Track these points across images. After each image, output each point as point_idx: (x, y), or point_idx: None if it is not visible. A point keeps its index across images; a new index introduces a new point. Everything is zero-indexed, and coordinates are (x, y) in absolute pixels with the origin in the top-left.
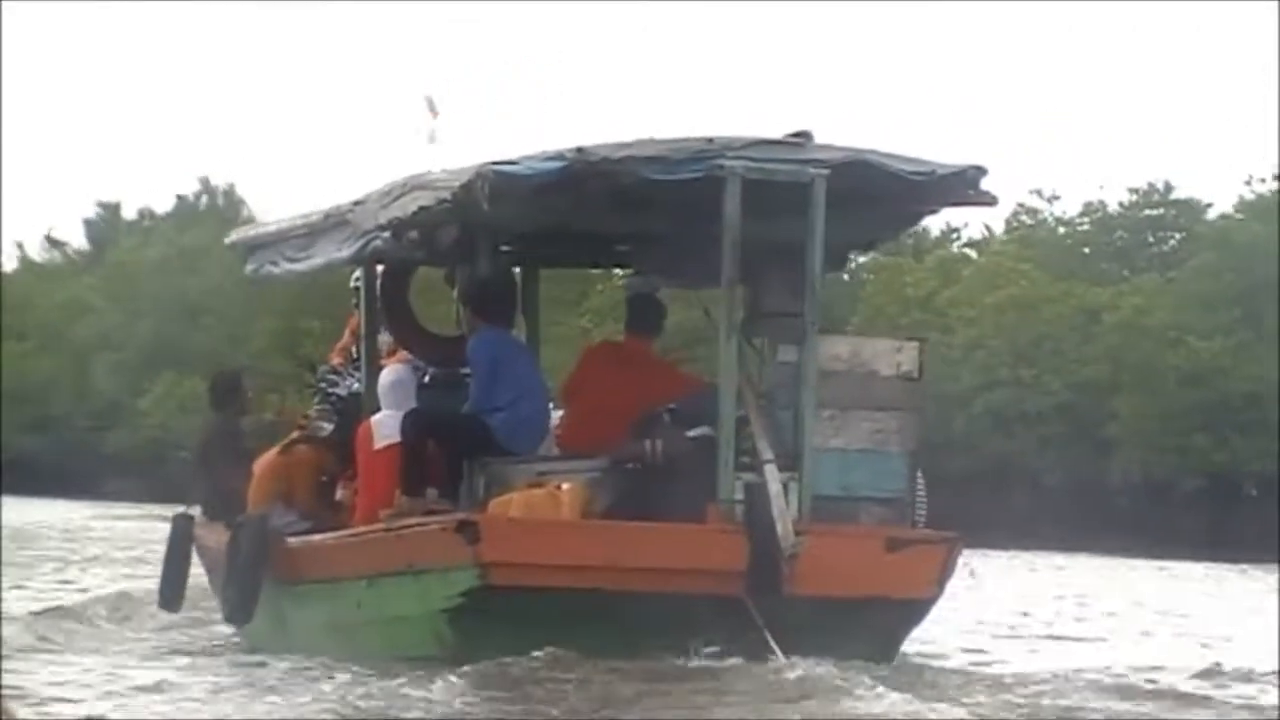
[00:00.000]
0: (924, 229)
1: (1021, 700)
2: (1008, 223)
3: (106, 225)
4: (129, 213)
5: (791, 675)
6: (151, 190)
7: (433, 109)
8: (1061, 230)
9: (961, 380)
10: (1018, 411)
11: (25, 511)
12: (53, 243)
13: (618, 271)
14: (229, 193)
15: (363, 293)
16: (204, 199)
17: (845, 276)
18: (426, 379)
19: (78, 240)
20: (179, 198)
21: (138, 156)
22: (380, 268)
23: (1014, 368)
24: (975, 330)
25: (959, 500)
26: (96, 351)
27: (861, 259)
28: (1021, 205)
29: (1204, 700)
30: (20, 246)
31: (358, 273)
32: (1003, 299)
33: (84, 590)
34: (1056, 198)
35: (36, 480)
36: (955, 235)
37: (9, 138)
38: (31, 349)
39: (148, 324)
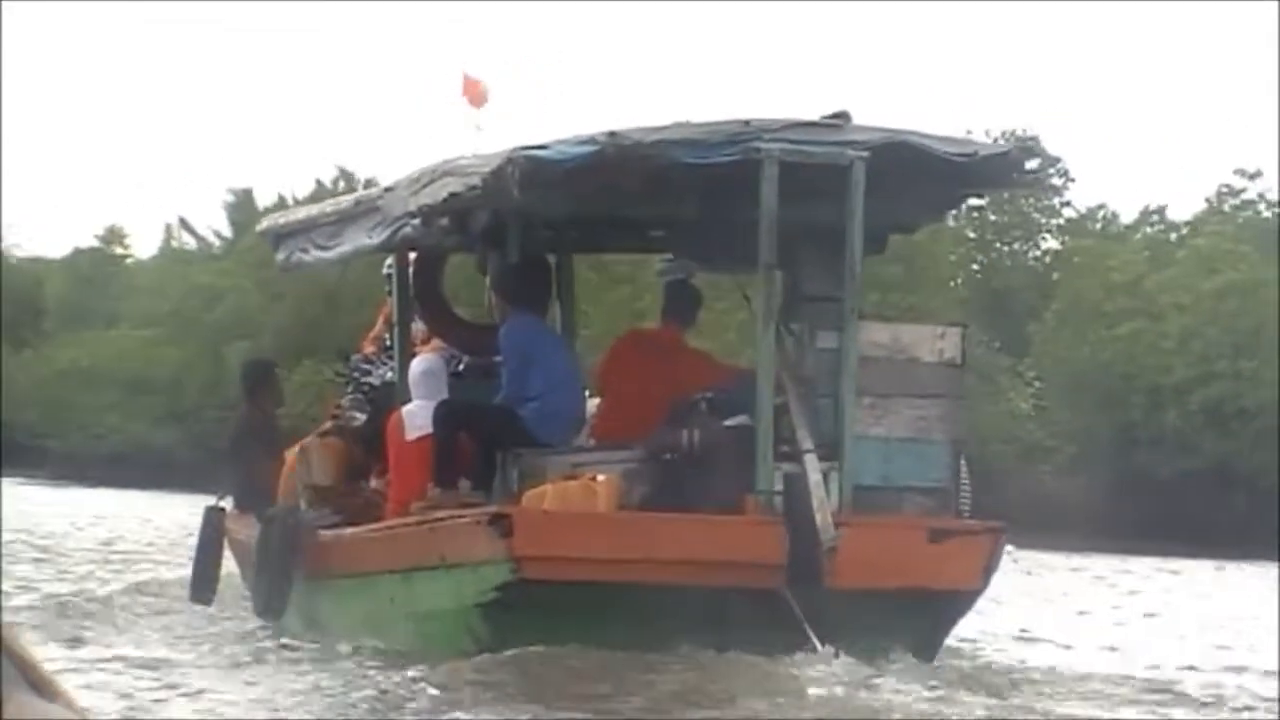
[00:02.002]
0: (1113, 212)
1: (1049, 699)
2: (1209, 202)
3: (241, 211)
4: (263, 199)
5: (831, 670)
6: (286, 176)
7: (479, 97)
8: (1266, 212)
9: (1175, 373)
10: (1236, 408)
11: (164, 509)
12: (186, 228)
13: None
14: (371, 181)
15: (395, 280)
16: (341, 185)
17: (1031, 261)
18: (460, 368)
19: (217, 224)
20: (318, 183)
21: (268, 142)
22: (412, 255)
23: (1233, 360)
24: (1187, 318)
25: (1173, 504)
26: (231, 340)
27: (1055, 244)
28: (1227, 187)
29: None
30: (169, 229)
31: (390, 260)
32: (1221, 285)
33: None
34: (1258, 174)
35: (169, 474)
36: (1156, 217)
37: (146, 125)
38: (162, 337)
39: (287, 310)
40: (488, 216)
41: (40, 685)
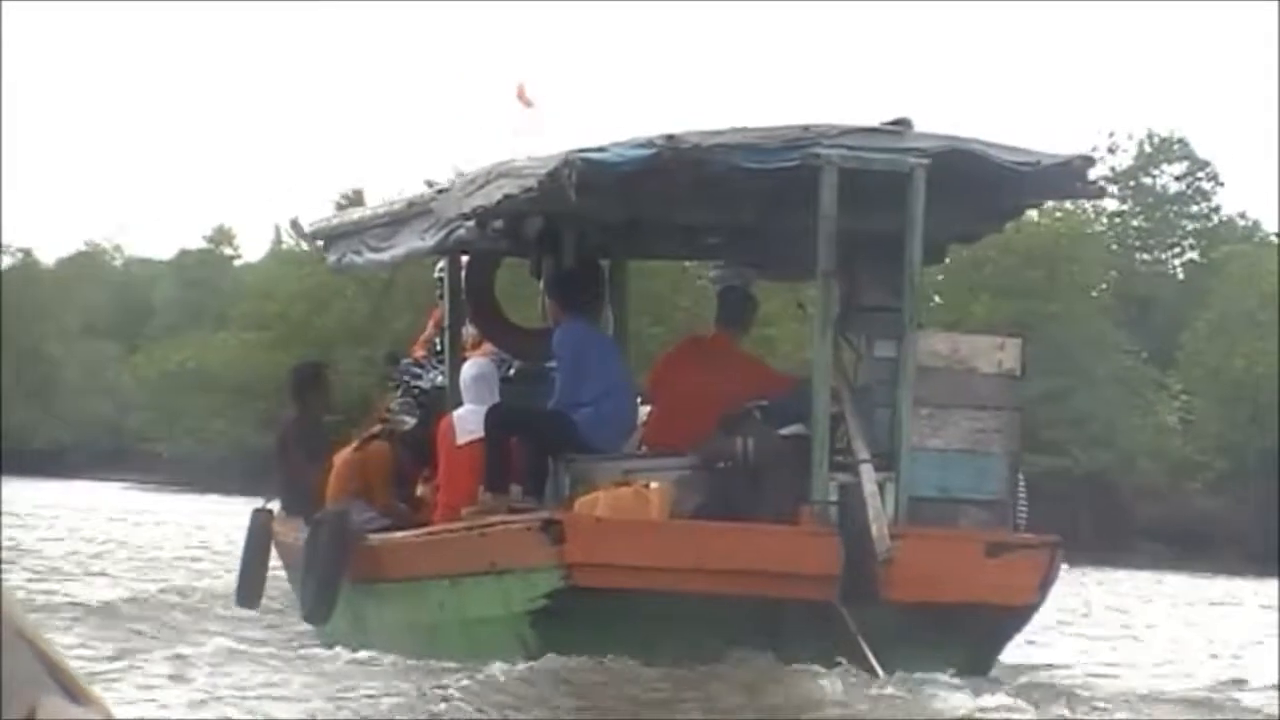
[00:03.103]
0: (1255, 220)
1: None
2: None
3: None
4: (374, 199)
5: (885, 685)
6: (397, 176)
7: (526, 100)
8: None
9: None
10: None
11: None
12: (296, 230)
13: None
14: None
15: (446, 284)
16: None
17: (1174, 271)
18: (509, 373)
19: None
20: (428, 184)
21: (379, 142)
22: (464, 258)
23: None
24: None
25: None
26: (342, 344)
27: (1208, 255)
28: None
29: None
30: (278, 230)
31: (441, 264)
32: None
33: None
34: None
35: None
36: None
37: (257, 125)
38: (270, 340)
39: (402, 314)
40: (541, 221)
41: (70, 688)
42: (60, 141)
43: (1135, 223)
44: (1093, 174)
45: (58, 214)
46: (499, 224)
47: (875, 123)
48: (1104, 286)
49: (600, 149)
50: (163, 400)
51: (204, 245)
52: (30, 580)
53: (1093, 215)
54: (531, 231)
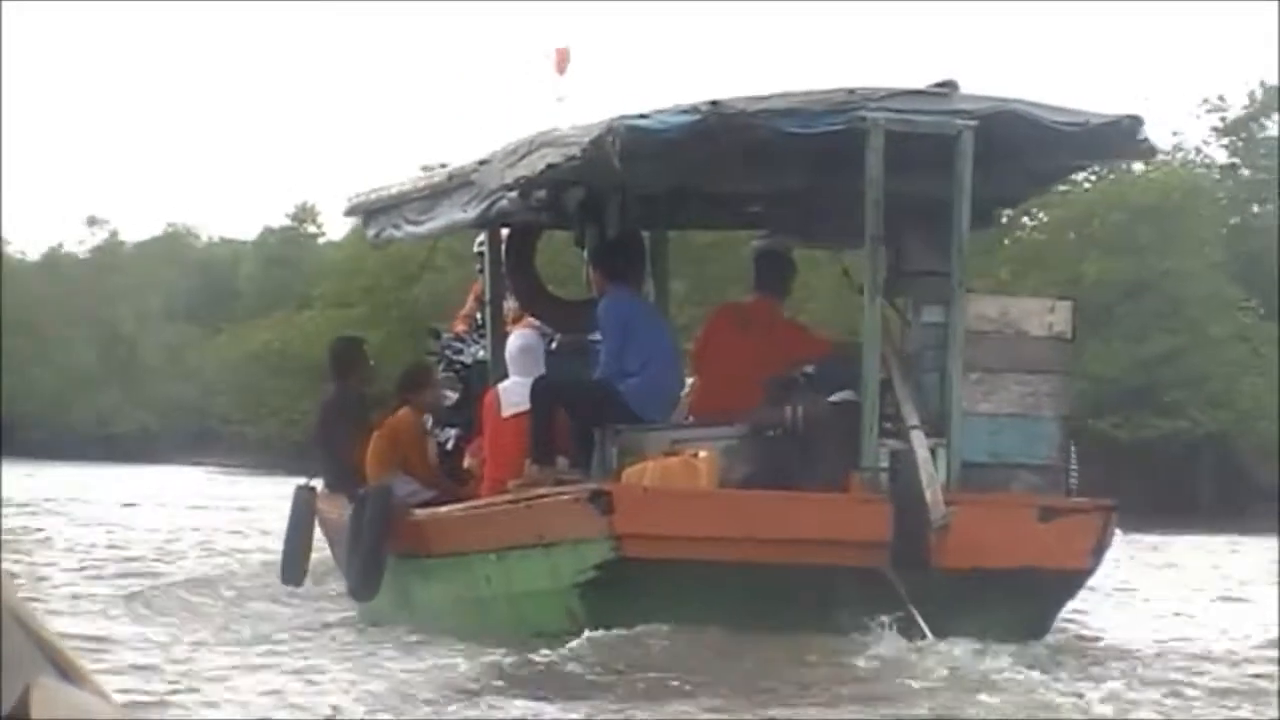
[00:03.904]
0: None
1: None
2: None
3: None
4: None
5: (935, 650)
6: (479, 149)
7: (560, 66)
8: None
9: None
10: None
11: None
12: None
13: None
14: None
15: (487, 257)
16: None
17: None
18: (552, 345)
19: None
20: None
21: (461, 115)
22: (504, 231)
23: None
24: None
25: None
26: (433, 317)
27: None
28: None
29: None
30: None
31: (481, 237)
32: None
33: None
34: None
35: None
36: None
37: (339, 99)
38: (356, 318)
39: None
40: (582, 191)
41: (64, 668)
42: (143, 122)
43: (1246, 174)
44: (1142, 133)
45: (141, 195)
46: (541, 194)
47: (920, 85)
48: (1216, 242)
49: (643, 116)
50: (247, 382)
51: (287, 223)
52: (82, 567)
53: (1204, 168)
54: (572, 203)
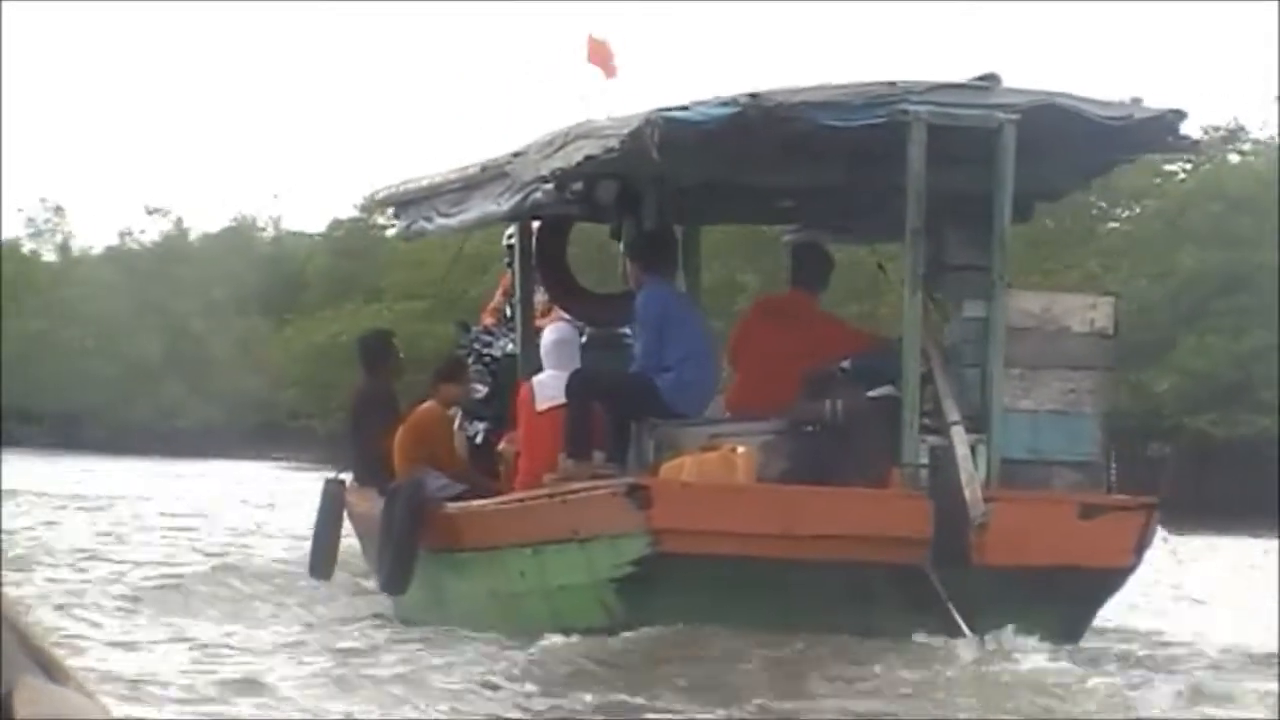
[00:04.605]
0: None
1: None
2: None
3: None
4: None
5: (974, 649)
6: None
7: (594, 57)
8: None
9: None
10: None
11: None
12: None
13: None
14: None
15: (517, 250)
16: None
17: None
18: (582, 338)
19: None
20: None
21: (532, 105)
22: (535, 224)
23: None
24: None
25: None
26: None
27: None
28: None
29: None
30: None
31: (510, 230)
32: None
33: None
34: None
35: None
36: None
37: (406, 90)
38: (425, 310)
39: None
40: (615, 184)
41: (47, 667)
42: (211, 113)
43: None
44: (1184, 128)
45: (208, 187)
46: (577, 186)
47: (961, 79)
48: None
49: (683, 108)
50: (315, 375)
51: (355, 215)
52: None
53: None
54: (605, 196)
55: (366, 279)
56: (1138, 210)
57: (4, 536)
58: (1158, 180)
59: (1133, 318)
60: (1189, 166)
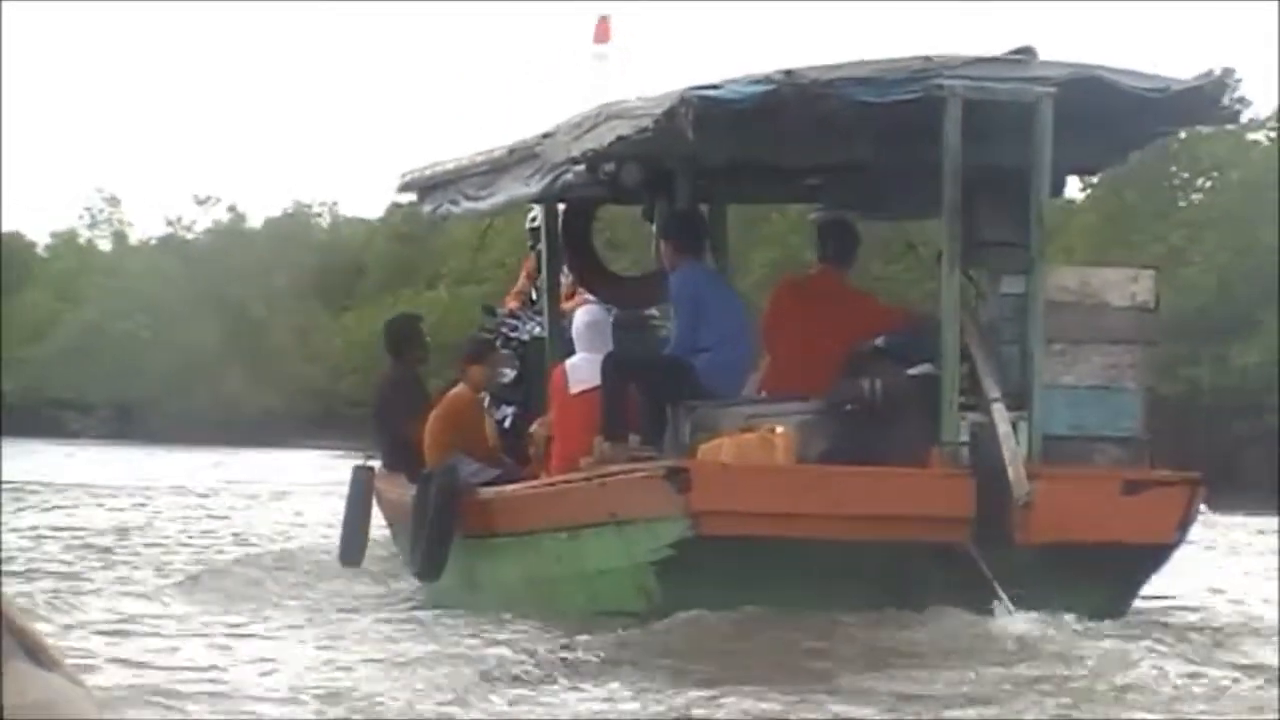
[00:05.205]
0: None
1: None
2: None
3: None
4: None
5: (1018, 626)
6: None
7: (602, 34)
8: None
9: None
10: None
11: None
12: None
13: None
14: None
15: (543, 233)
16: None
17: None
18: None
19: None
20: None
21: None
22: (561, 207)
23: None
24: None
25: None
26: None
27: None
28: None
29: None
30: None
31: (534, 213)
32: None
33: None
34: None
35: None
36: None
37: (464, 77)
38: (485, 295)
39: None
40: (639, 168)
41: (36, 653)
42: (269, 102)
43: None
44: (1226, 98)
45: (267, 173)
46: (609, 167)
47: (997, 52)
48: None
49: (715, 86)
50: (374, 363)
51: (414, 200)
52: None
53: None
54: (632, 178)
55: (426, 264)
56: (1218, 180)
57: (48, 532)
58: (1243, 145)
59: (1211, 293)
60: (1273, 134)
